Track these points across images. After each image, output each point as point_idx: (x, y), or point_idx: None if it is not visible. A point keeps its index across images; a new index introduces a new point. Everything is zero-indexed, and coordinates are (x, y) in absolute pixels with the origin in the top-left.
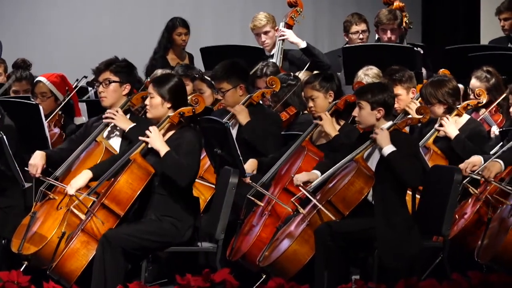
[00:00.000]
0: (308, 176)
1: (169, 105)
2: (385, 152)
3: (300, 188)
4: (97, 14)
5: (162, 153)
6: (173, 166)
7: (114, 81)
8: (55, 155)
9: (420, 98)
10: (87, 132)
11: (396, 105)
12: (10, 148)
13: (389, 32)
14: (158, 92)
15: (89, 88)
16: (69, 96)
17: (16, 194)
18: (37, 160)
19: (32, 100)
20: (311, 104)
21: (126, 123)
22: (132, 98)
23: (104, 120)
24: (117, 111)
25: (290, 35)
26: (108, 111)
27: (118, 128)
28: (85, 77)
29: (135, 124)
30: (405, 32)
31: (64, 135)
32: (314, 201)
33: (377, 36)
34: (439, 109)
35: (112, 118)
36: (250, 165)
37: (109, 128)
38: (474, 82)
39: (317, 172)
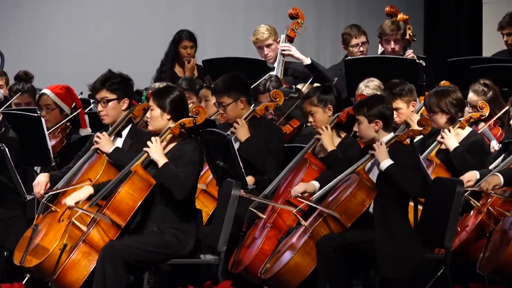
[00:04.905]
0: (305, 186)
1: (168, 116)
2: (383, 167)
3: (299, 199)
4: (98, 25)
5: (160, 165)
6: (170, 178)
7: (111, 99)
8: (62, 174)
9: (422, 110)
10: (91, 146)
11: (396, 119)
12: (11, 159)
13: (392, 42)
14: (158, 104)
15: (91, 100)
16: (77, 112)
17: (16, 205)
18: (42, 178)
19: (38, 112)
20: (311, 119)
21: (108, 146)
22: (133, 110)
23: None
24: (102, 135)
25: (294, 51)
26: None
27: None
28: (81, 93)
29: (117, 146)
30: (409, 44)
31: (65, 141)
32: (320, 208)
33: (381, 48)
34: (441, 119)
35: (97, 143)
36: (248, 181)
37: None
38: (471, 95)
39: (315, 183)
